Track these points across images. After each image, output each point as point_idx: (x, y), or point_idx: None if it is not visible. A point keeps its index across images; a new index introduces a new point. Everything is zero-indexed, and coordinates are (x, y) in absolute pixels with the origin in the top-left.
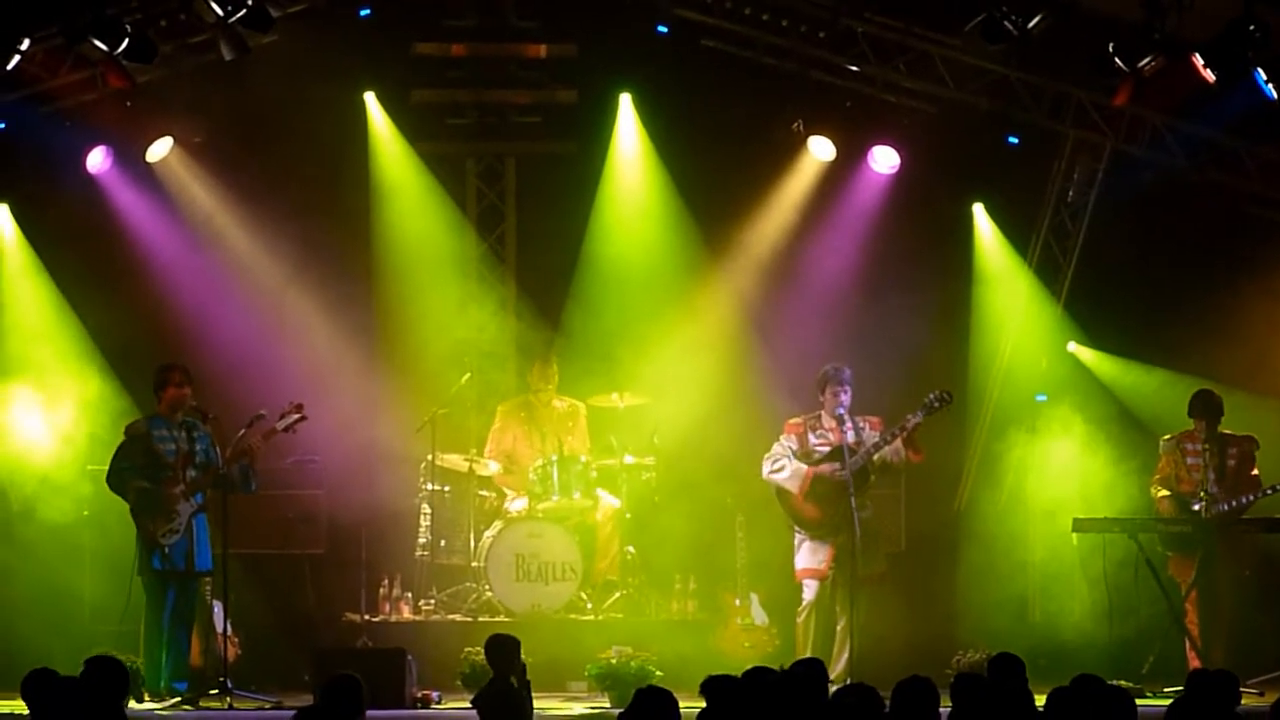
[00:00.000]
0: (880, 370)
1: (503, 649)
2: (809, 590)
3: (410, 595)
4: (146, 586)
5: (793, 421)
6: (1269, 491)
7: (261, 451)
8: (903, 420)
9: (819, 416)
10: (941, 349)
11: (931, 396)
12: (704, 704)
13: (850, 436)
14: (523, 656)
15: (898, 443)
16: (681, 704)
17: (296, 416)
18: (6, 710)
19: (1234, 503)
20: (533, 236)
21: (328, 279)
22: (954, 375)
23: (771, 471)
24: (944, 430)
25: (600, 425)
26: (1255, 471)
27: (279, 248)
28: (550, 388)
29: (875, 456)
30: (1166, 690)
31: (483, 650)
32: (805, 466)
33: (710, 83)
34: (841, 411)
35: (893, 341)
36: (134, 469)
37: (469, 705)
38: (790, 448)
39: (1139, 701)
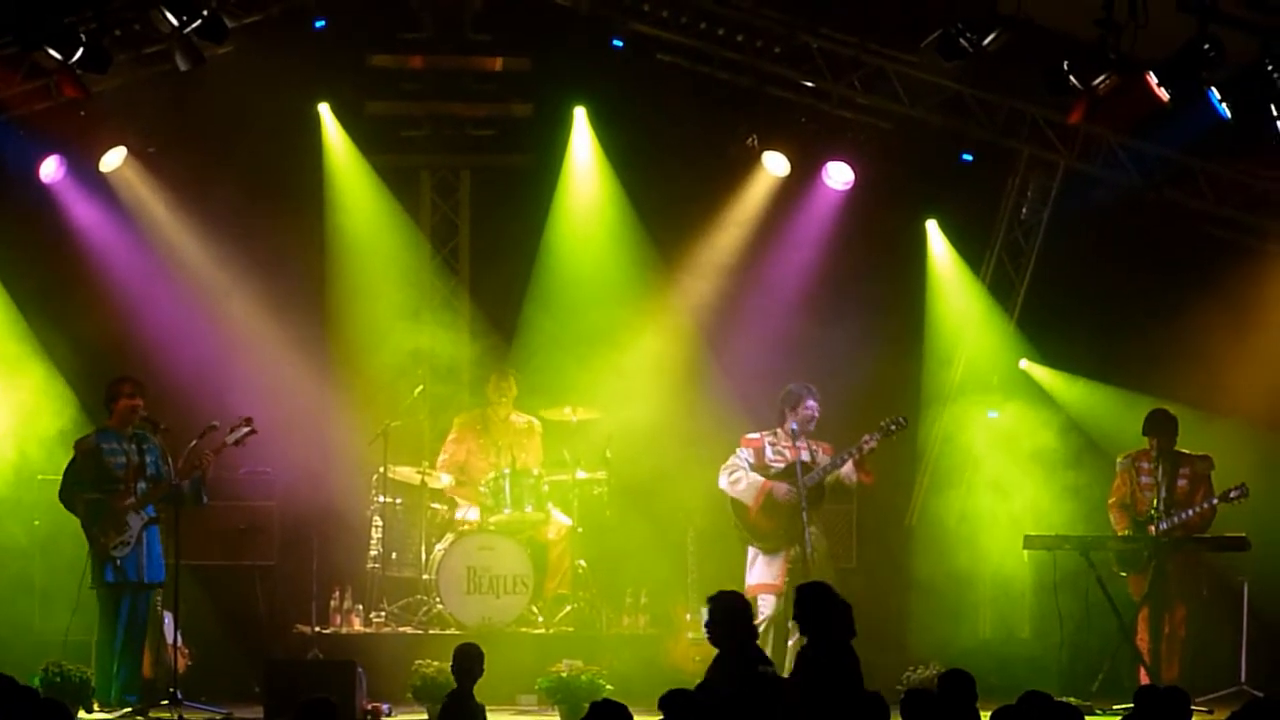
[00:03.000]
0: (832, 386)
1: (470, 658)
2: (765, 605)
3: (361, 607)
4: (99, 599)
5: (750, 437)
6: (1204, 506)
7: (213, 464)
8: (859, 442)
9: (776, 433)
10: (894, 364)
11: (887, 421)
12: (659, 718)
13: (805, 455)
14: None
15: (849, 464)
16: (635, 718)
17: (246, 430)
18: None
19: (1178, 518)
20: (487, 249)
21: (281, 290)
22: (906, 391)
23: (730, 483)
24: (896, 446)
25: (553, 439)
26: (1207, 490)
27: (232, 259)
28: (507, 401)
29: (828, 478)
30: (1116, 708)
31: (433, 663)
32: (760, 479)
33: (665, 97)
34: (794, 427)
35: (845, 356)
36: (84, 484)
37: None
38: (747, 460)
39: (1088, 719)
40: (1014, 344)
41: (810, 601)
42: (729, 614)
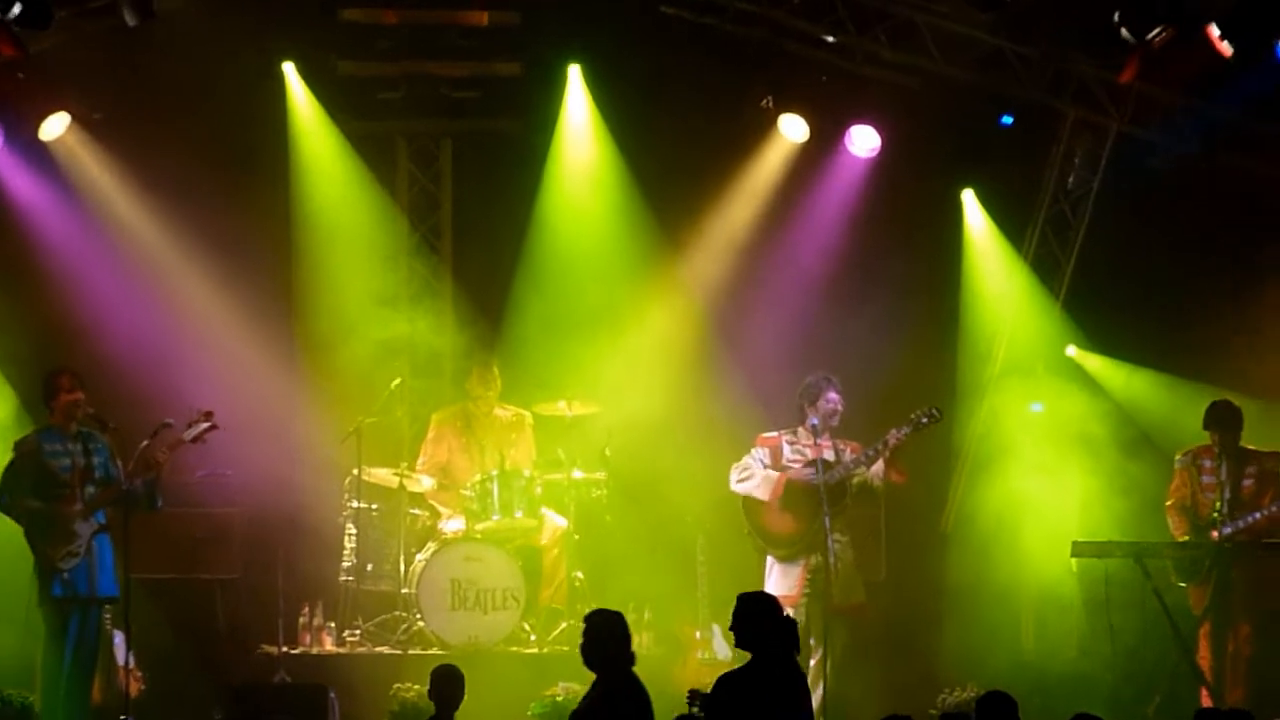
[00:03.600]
0: (857, 376)
1: (450, 683)
2: None
3: (333, 625)
4: (46, 618)
5: (766, 435)
6: (1274, 509)
7: (168, 464)
8: (885, 436)
9: (796, 432)
10: (927, 352)
11: (918, 413)
12: None
13: (829, 454)
14: None
15: (879, 463)
16: None
17: (206, 425)
18: None
19: (1244, 521)
20: (471, 225)
21: (242, 272)
22: (940, 381)
23: (740, 480)
24: (929, 444)
25: (546, 436)
26: (1276, 491)
27: (187, 237)
28: (491, 394)
29: (854, 478)
30: None
31: (414, 687)
32: (777, 473)
33: (670, 54)
34: (815, 423)
35: (871, 343)
36: (26, 489)
37: None
38: (761, 460)
39: None
40: (1060, 328)
41: (743, 612)
42: (599, 636)
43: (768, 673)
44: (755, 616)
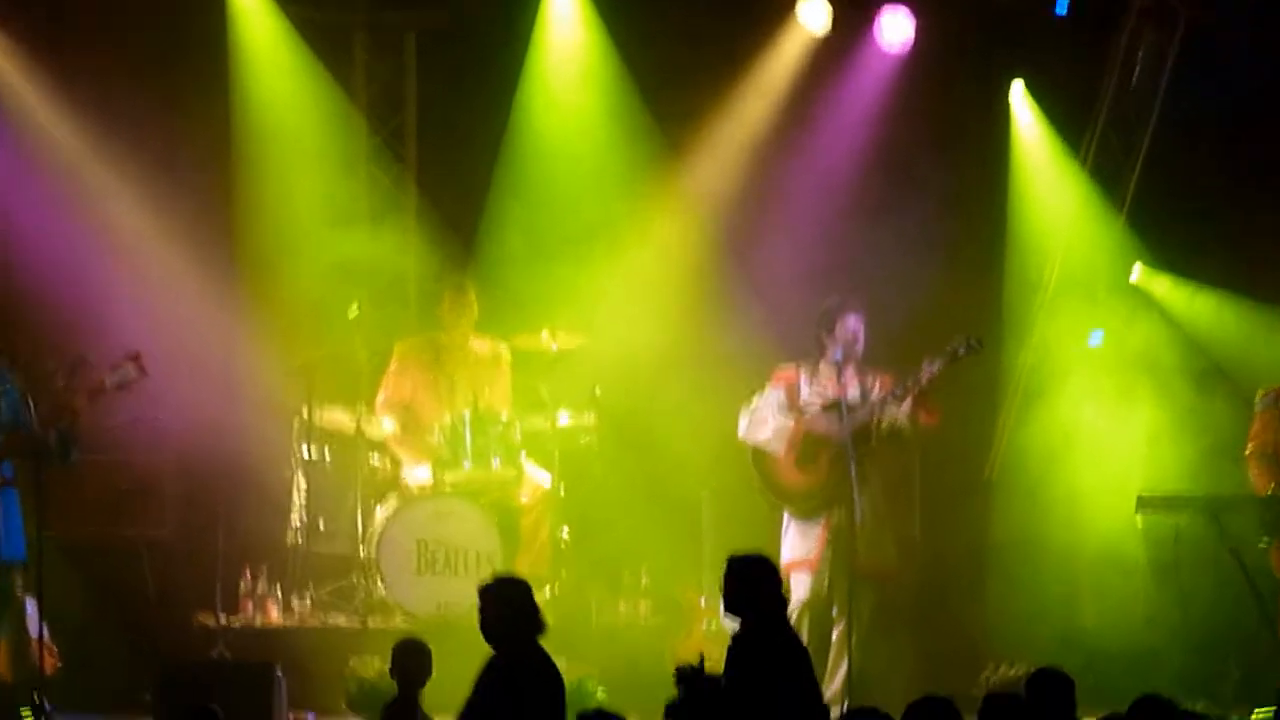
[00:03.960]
0: (889, 302)
1: (415, 658)
2: (799, 586)
3: (280, 592)
4: None
5: (783, 369)
6: None
7: (87, 410)
8: (917, 370)
9: (817, 364)
10: (969, 273)
11: (956, 343)
12: None
13: (853, 392)
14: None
15: (908, 402)
16: None
17: (131, 369)
18: None
19: None
20: (440, 129)
21: (175, 187)
22: (983, 307)
23: (751, 428)
24: (969, 379)
25: (527, 373)
26: None
27: (110, 144)
28: (465, 323)
29: (883, 420)
30: (1258, 713)
31: (373, 663)
32: (792, 422)
33: None
34: (838, 356)
35: (905, 263)
36: None
37: None
38: (777, 401)
39: None
40: (1124, 247)
41: (734, 574)
42: (499, 608)
43: (772, 639)
44: (754, 580)
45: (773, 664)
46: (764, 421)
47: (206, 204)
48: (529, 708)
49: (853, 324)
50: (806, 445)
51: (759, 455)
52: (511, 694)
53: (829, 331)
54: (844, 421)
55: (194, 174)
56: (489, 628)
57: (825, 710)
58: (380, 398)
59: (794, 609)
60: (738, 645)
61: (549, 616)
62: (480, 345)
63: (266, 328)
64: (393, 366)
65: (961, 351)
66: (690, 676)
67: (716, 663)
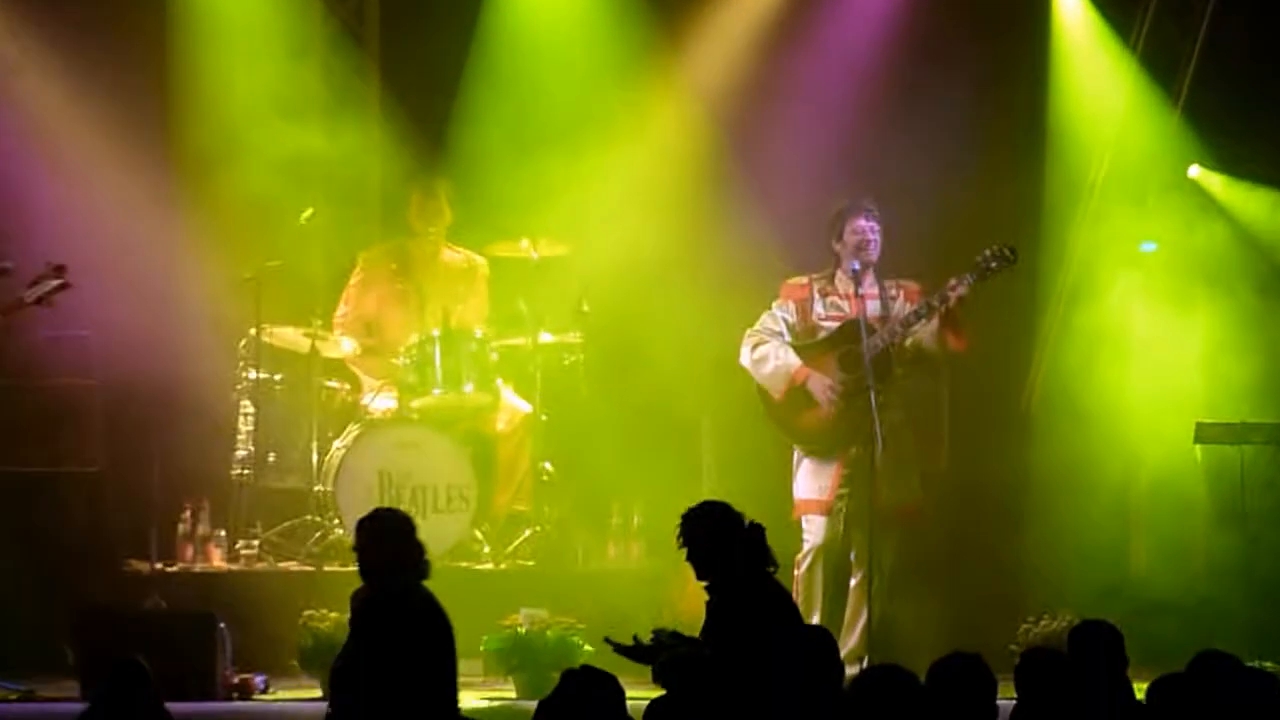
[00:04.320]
0: (911, 208)
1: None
2: (811, 530)
3: (224, 533)
4: None
5: (793, 282)
6: None
7: (4, 327)
8: (944, 287)
9: (831, 276)
10: (1004, 175)
11: (987, 254)
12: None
13: (873, 307)
14: None
15: (935, 322)
16: (627, 691)
17: (55, 284)
18: None
19: None
20: (406, 7)
21: (103, 73)
22: (1021, 213)
23: (753, 361)
24: (1005, 292)
25: (505, 286)
26: None
27: (29, 27)
28: (436, 231)
29: (907, 338)
30: None
31: (329, 614)
32: (794, 362)
33: None
34: (856, 267)
35: (932, 163)
36: None
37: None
38: (785, 320)
39: None
40: (1179, 143)
41: (695, 526)
42: (382, 541)
43: (749, 602)
44: (710, 536)
45: (754, 633)
46: (764, 359)
47: (142, 92)
48: (416, 653)
49: (862, 226)
50: (800, 394)
51: (763, 392)
52: (397, 636)
53: (839, 238)
54: (865, 346)
55: (123, 60)
56: (367, 562)
57: (839, 667)
58: (339, 313)
59: (806, 554)
60: (710, 615)
61: (529, 562)
62: (453, 256)
63: (208, 234)
64: (355, 278)
65: (994, 265)
66: (669, 644)
67: None
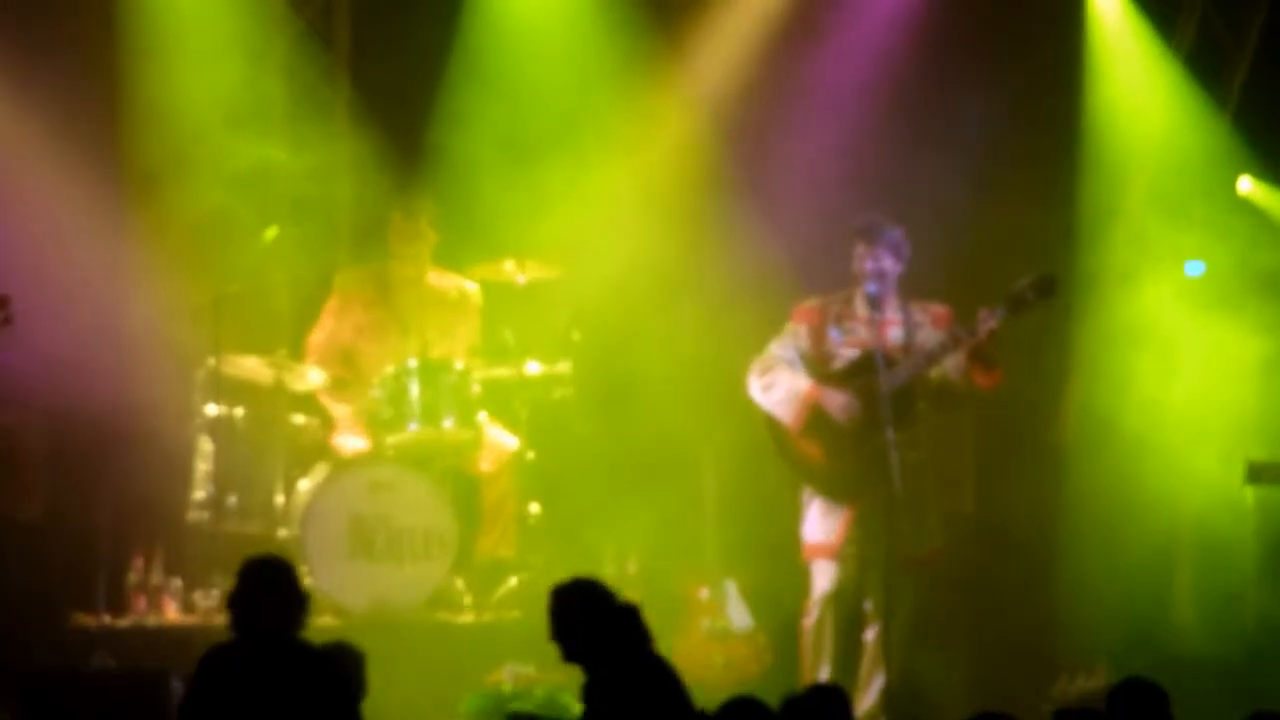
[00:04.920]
0: (937, 228)
1: (346, 665)
2: (822, 577)
3: (180, 583)
4: None
5: (807, 306)
6: None
7: None
8: (975, 320)
9: (849, 299)
10: (1035, 191)
11: (1022, 285)
12: None
13: (896, 335)
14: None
15: (961, 356)
16: None
17: None
18: None
19: None
20: (378, 7)
21: (48, 79)
22: (1053, 233)
23: (762, 388)
24: (1037, 322)
25: (488, 312)
26: None
27: None
28: (419, 253)
29: (932, 370)
30: None
31: None
32: (804, 384)
33: None
34: (874, 290)
35: (957, 180)
36: None
37: None
38: (797, 347)
39: None
40: (1228, 154)
41: (562, 605)
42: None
43: (635, 679)
44: (576, 617)
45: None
46: (773, 385)
47: (93, 101)
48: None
49: (858, 254)
50: (817, 418)
51: (774, 422)
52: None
53: (852, 260)
54: (881, 378)
55: (69, 64)
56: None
57: None
58: (312, 339)
59: (815, 603)
60: (584, 698)
61: (515, 613)
62: (441, 282)
63: (161, 257)
64: (331, 303)
65: (1030, 297)
66: None
67: (719, 669)
